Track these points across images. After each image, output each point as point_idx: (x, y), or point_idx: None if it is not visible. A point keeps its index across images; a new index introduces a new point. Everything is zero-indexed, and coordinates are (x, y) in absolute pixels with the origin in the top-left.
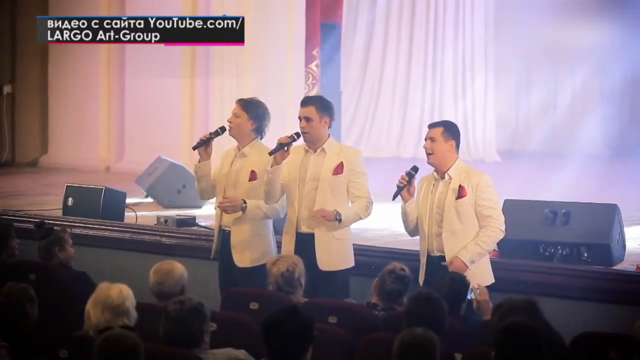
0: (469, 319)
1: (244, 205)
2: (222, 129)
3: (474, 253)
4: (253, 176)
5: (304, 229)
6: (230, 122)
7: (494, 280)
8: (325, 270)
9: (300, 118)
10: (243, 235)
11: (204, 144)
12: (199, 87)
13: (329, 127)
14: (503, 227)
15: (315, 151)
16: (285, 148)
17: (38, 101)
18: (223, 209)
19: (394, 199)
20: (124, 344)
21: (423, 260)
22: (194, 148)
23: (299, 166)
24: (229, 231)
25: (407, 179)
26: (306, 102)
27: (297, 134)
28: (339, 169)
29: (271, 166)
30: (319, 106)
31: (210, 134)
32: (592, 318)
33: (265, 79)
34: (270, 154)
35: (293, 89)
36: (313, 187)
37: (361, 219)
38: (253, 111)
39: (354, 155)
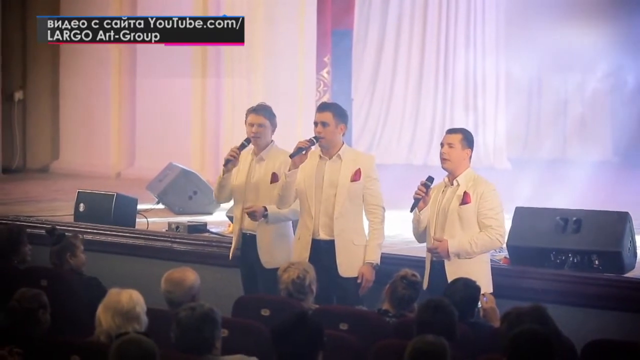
0: (479, 325)
1: (265, 212)
2: (248, 141)
3: (462, 248)
4: (274, 178)
5: (322, 235)
6: (257, 132)
7: (491, 290)
8: (346, 276)
9: (316, 123)
10: (269, 237)
11: (233, 161)
12: (210, 95)
13: (342, 135)
14: (502, 239)
15: (330, 157)
16: (304, 152)
17: (49, 107)
18: (250, 216)
19: (412, 211)
20: (141, 348)
21: (427, 264)
22: (225, 165)
23: (314, 173)
24: (251, 235)
25: (424, 190)
26: (323, 107)
27: (316, 138)
28: (357, 176)
29: (289, 169)
30: (336, 112)
31: (237, 148)
32: (603, 326)
33: (276, 86)
34: (291, 156)
35: (304, 96)
36: (331, 194)
37: (384, 238)
38: (273, 118)
39: (370, 162)
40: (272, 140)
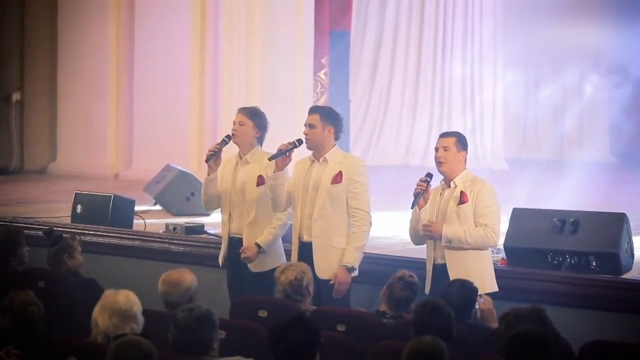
0: (476, 326)
1: (261, 249)
2: (229, 137)
3: (456, 236)
4: (260, 181)
5: (306, 237)
6: (235, 129)
7: (496, 289)
8: (323, 278)
9: (305, 125)
10: (255, 241)
11: (215, 155)
12: (208, 95)
13: (335, 139)
14: (497, 238)
15: (319, 160)
16: (287, 154)
17: (47, 108)
18: (247, 260)
19: (412, 207)
20: (139, 349)
21: (429, 267)
22: (207, 161)
23: (303, 175)
24: (238, 239)
25: (424, 185)
26: (312, 110)
27: (299, 141)
28: (337, 178)
29: (273, 172)
30: (323, 115)
31: (218, 144)
32: (600, 327)
33: (274, 88)
34: (270, 159)
35: (301, 97)
36: (314, 196)
37: (366, 242)
38: (258, 120)
39: (355, 165)
40: (257, 145)
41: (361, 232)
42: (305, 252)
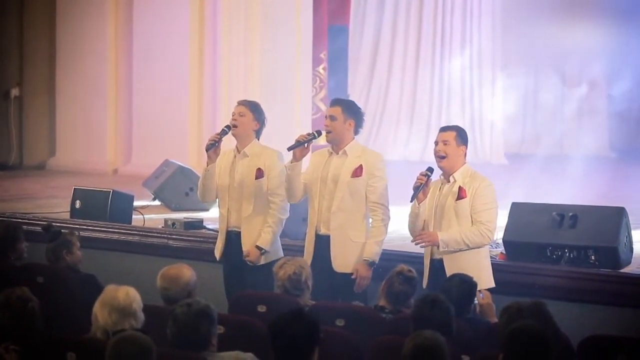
0: (476, 321)
1: (263, 250)
2: (229, 127)
3: (452, 239)
4: (259, 174)
5: (323, 230)
6: (235, 119)
7: (493, 285)
8: (340, 271)
9: (326, 116)
10: (254, 234)
11: (215, 145)
12: (207, 91)
13: (355, 133)
14: (491, 235)
15: (338, 153)
16: (306, 145)
17: (46, 104)
18: (251, 263)
19: (412, 201)
20: (138, 345)
21: (427, 262)
22: (207, 149)
23: (321, 167)
24: (236, 232)
25: (424, 179)
26: (334, 102)
27: (318, 132)
28: (358, 172)
29: (290, 162)
30: (345, 108)
31: (218, 134)
32: (599, 321)
33: (273, 83)
34: (289, 149)
35: (300, 92)
36: (332, 189)
37: (385, 236)
38: (258, 113)
39: (375, 159)
40: (254, 139)
41: (381, 226)
42: (322, 245)
